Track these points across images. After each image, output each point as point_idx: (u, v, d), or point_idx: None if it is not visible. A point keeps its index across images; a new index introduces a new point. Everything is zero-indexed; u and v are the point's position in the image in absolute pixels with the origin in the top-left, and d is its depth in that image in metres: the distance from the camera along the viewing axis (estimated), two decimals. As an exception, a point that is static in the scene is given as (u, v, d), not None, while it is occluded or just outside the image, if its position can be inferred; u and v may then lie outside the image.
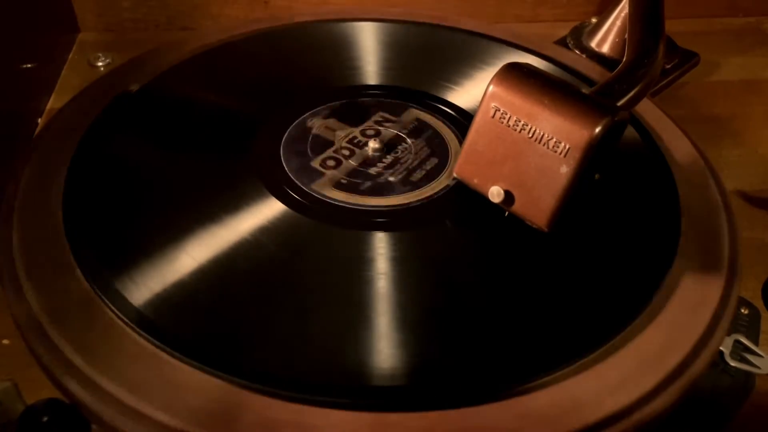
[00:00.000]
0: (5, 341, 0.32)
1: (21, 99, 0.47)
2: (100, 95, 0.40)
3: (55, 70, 0.52)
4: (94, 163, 0.35)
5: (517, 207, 0.31)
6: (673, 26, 0.47)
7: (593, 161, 0.30)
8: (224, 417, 0.26)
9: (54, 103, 0.49)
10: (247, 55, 0.45)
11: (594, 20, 0.53)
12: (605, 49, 0.50)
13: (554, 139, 0.30)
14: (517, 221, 0.32)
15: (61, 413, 0.27)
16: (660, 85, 0.48)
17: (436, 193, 0.35)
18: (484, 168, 0.32)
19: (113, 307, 0.29)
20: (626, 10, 0.45)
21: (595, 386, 0.27)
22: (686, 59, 0.50)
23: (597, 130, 0.29)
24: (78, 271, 0.30)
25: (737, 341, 0.31)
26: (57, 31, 0.55)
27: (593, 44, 0.51)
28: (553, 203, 0.30)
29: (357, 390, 0.27)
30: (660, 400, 0.27)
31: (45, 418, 0.27)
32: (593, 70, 0.46)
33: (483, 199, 0.33)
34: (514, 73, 0.31)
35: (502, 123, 0.31)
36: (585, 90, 0.32)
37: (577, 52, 0.51)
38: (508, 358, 0.28)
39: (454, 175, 0.34)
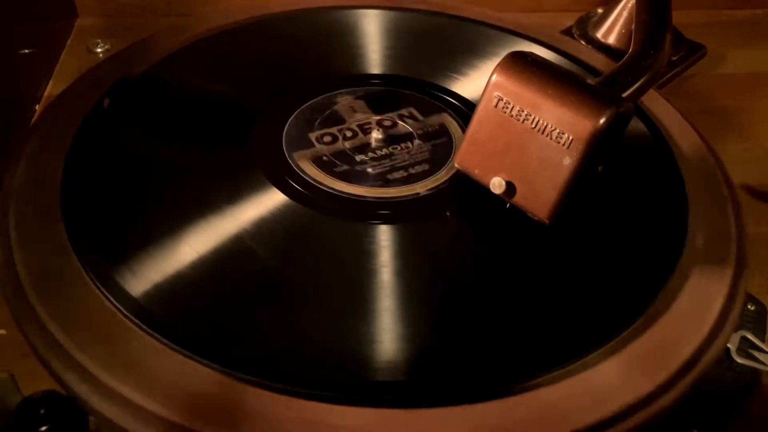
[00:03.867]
0: (2, 331, 0.32)
1: (19, 85, 0.47)
2: (98, 82, 0.39)
3: (53, 56, 0.52)
4: (92, 152, 0.35)
5: (519, 199, 0.31)
6: (679, 17, 0.46)
7: (597, 153, 0.29)
8: (226, 412, 0.25)
9: (52, 89, 0.48)
10: (249, 42, 0.44)
11: (600, 11, 0.52)
12: (611, 40, 0.49)
13: (557, 130, 0.29)
14: (520, 213, 0.32)
15: (58, 405, 0.27)
16: (666, 77, 0.47)
17: (413, 194, 0.35)
18: (485, 158, 0.32)
19: (112, 299, 0.28)
20: (632, 1, 0.45)
21: (603, 382, 0.27)
22: (693, 51, 0.50)
23: (601, 121, 0.28)
24: (77, 263, 0.30)
25: (743, 337, 0.31)
26: (55, 16, 0.54)
27: (599, 35, 0.50)
28: (555, 195, 0.30)
29: (364, 385, 0.26)
30: (667, 397, 0.27)
31: (42, 410, 0.27)
32: (599, 61, 0.45)
33: (485, 191, 0.32)
34: (517, 63, 0.31)
35: (505, 113, 0.31)
36: (590, 81, 0.31)
37: (582, 42, 0.50)
38: (514, 353, 0.28)
39: (456, 165, 0.33)
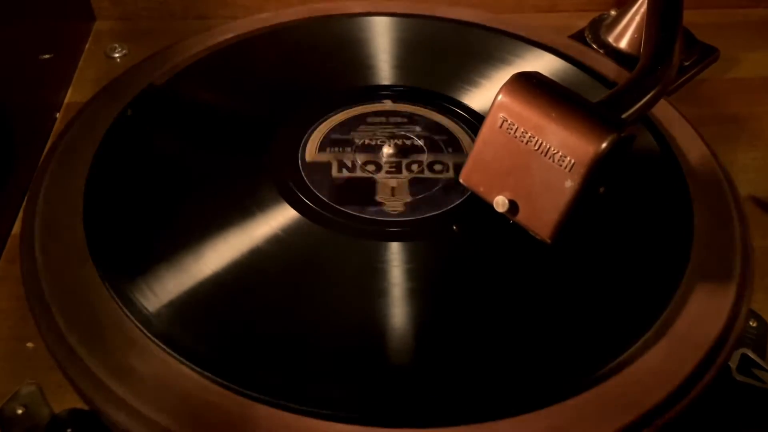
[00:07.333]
0: (29, 344, 0.33)
1: (39, 91, 0.47)
2: (116, 97, 0.40)
3: (72, 61, 0.52)
4: (113, 170, 0.36)
5: (521, 217, 0.31)
6: (693, 17, 0.46)
7: (598, 176, 0.29)
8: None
9: (72, 96, 0.49)
10: (260, 54, 0.45)
11: (613, 13, 0.52)
12: (623, 44, 0.49)
13: (560, 153, 0.29)
14: (523, 229, 0.32)
15: (84, 423, 0.28)
16: (678, 82, 0.47)
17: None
18: (490, 177, 0.32)
19: (135, 320, 0.29)
20: (645, 6, 0.44)
21: (605, 406, 0.28)
22: (705, 55, 0.49)
23: (602, 146, 0.29)
24: (99, 283, 0.31)
25: (744, 355, 0.31)
26: (73, 20, 0.55)
27: (611, 39, 0.50)
28: (557, 217, 0.30)
29: (378, 406, 0.27)
30: (666, 416, 0.28)
31: (69, 429, 0.28)
32: (609, 68, 0.45)
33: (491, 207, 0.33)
34: (522, 84, 0.31)
35: (509, 134, 0.31)
36: (598, 97, 0.31)
37: (594, 46, 0.50)
38: (526, 370, 0.29)
39: (461, 181, 0.34)
